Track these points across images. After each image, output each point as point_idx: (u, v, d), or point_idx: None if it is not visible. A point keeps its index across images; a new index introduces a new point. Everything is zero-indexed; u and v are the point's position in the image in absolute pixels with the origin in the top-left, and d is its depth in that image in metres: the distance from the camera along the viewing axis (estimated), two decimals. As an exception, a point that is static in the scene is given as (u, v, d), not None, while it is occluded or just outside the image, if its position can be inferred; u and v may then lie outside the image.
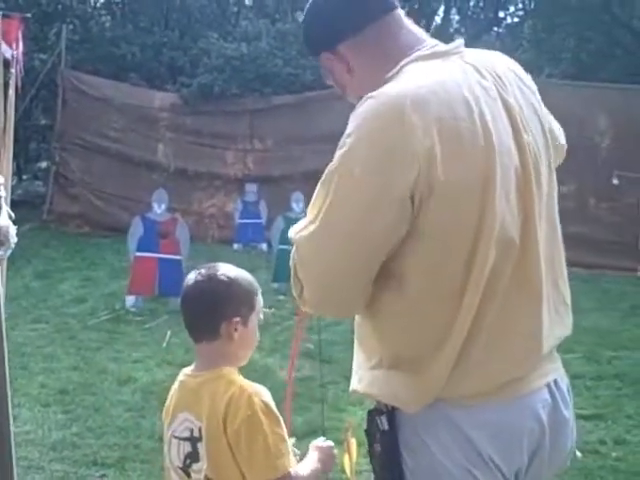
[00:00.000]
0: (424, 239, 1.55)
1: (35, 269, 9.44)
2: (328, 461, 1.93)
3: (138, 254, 7.69)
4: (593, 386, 5.39)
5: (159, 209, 8.03)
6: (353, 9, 1.65)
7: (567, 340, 1.88)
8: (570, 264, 1.87)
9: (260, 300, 1.93)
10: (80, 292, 8.35)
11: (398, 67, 1.61)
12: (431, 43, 1.69)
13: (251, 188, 11.93)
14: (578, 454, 4.08)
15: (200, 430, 1.80)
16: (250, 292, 1.90)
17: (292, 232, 1.66)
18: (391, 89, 1.56)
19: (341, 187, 1.54)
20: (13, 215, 1.43)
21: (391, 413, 1.66)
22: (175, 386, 1.93)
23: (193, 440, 1.81)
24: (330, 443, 1.97)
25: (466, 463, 1.63)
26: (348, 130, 1.56)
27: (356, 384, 1.75)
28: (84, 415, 4.73)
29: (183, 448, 1.84)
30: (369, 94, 1.56)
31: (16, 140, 15.39)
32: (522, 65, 1.81)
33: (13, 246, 1.39)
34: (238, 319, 1.85)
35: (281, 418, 1.83)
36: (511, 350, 1.66)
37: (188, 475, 1.84)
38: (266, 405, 1.78)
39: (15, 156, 16.57)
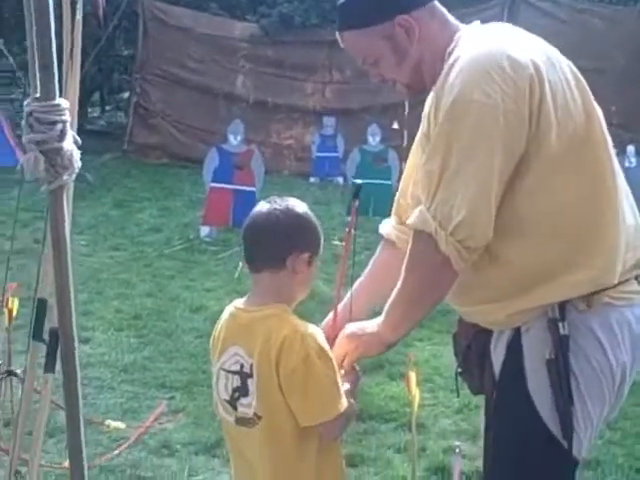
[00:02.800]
0: (551, 135, 1.68)
1: (115, 198, 9.62)
2: (356, 386, 1.91)
3: (213, 185, 7.74)
4: None
5: (235, 140, 8.04)
6: None
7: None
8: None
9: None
10: (157, 221, 8.48)
11: (456, 37, 1.81)
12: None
13: (329, 122, 11.85)
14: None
15: (251, 367, 1.76)
16: (319, 235, 1.85)
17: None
18: (476, 46, 1.72)
19: (468, 113, 1.65)
20: (80, 141, 1.39)
21: (564, 318, 1.72)
22: (225, 316, 1.88)
23: (243, 375, 1.77)
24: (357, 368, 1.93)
25: (627, 363, 1.76)
26: (451, 79, 1.68)
27: (529, 302, 1.75)
28: (156, 340, 4.84)
29: (232, 381, 1.80)
30: (459, 54, 1.72)
31: (100, 71, 15.61)
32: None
33: (77, 170, 1.36)
34: (307, 255, 1.80)
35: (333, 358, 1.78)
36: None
37: (235, 408, 1.81)
38: (320, 347, 1.73)
39: (99, 87, 16.86)
